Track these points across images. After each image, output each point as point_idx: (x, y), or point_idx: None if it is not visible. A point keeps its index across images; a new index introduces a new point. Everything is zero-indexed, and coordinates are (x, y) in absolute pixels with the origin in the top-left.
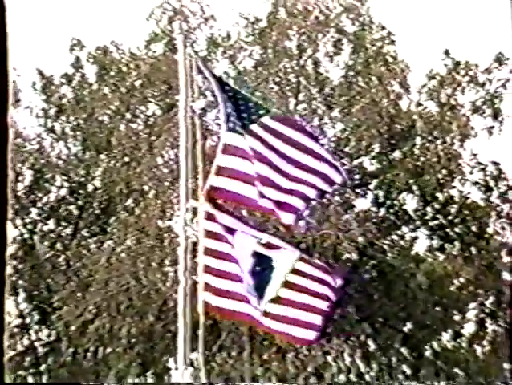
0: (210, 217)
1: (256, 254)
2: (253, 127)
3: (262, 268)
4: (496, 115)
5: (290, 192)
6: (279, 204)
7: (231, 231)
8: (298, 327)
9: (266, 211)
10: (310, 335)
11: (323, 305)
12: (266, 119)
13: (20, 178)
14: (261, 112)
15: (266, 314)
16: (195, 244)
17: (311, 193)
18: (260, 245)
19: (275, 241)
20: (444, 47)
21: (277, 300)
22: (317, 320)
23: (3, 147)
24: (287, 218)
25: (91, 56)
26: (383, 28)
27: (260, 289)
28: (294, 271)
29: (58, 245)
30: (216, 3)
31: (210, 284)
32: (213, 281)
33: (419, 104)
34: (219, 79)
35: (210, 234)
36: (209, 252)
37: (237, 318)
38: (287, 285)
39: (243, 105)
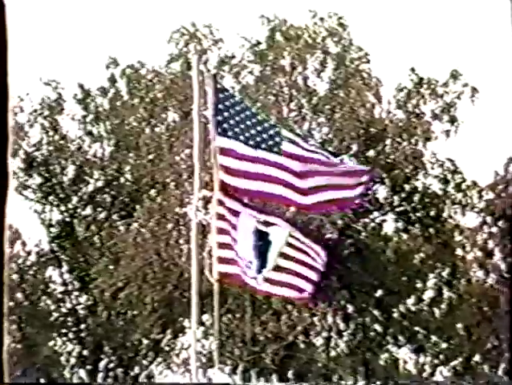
0: (220, 203)
1: (257, 231)
2: (285, 133)
3: (262, 242)
4: (452, 121)
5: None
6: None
7: (236, 213)
8: (294, 291)
9: (274, 200)
10: (303, 299)
11: (312, 274)
12: (286, 146)
13: (64, 172)
14: (272, 122)
15: (267, 280)
16: (204, 226)
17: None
18: (259, 222)
19: (271, 219)
20: (410, 66)
21: (276, 268)
22: (308, 287)
23: (3, 147)
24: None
25: (123, 73)
26: (360, 49)
27: (262, 260)
28: (288, 244)
29: (94, 227)
30: (224, 28)
31: (223, 257)
32: (225, 254)
33: (389, 112)
34: (231, 95)
35: (220, 217)
36: (221, 232)
37: (243, 284)
38: (283, 255)
39: (255, 114)
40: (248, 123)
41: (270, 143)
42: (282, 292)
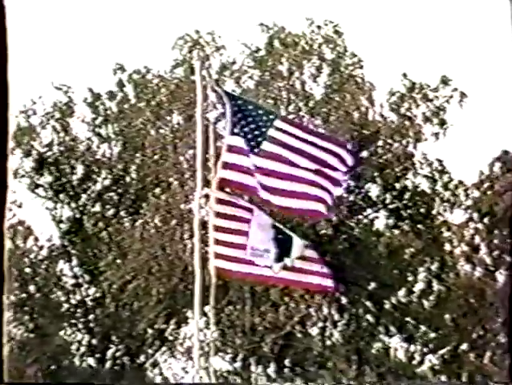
0: (220, 201)
1: (275, 226)
2: (271, 132)
3: (283, 236)
4: (441, 124)
5: (314, 184)
6: (308, 196)
7: (250, 209)
8: (322, 277)
9: (262, 199)
10: (330, 283)
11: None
12: (278, 123)
13: (74, 171)
14: (271, 117)
15: (291, 268)
16: (206, 222)
17: (331, 183)
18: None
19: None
20: (403, 71)
21: (303, 258)
22: (329, 271)
23: (3, 144)
24: (320, 208)
25: (130, 78)
26: (354, 55)
27: (284, 251)
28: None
29: (102, 223)
30: (225, 35)
31: (220, 253)
32: (222, 251)
33: (382, 115)
34: (230, 94)
35: (220, 215)
36: (219, 229)
37: (241, 277)
38: (308, 247)
39: (255, 114)
40: (249, 119)
41: (252, 144)
42: (307, 279)
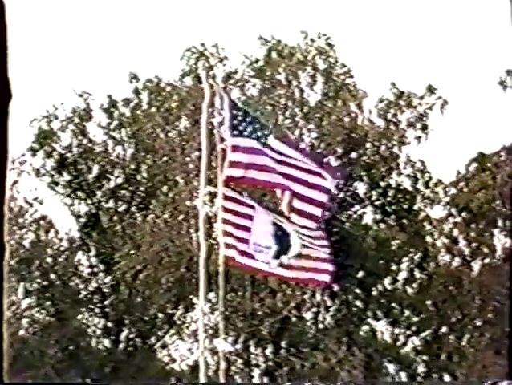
0: (226, 198)
1: (275, 223)
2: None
3: (282, 233)
4: (424, 128)
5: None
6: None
7: (252, 206)
8: (317, 273)
9: (278, 188)
10: (327, 278)
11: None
12: (271, 140)
13: (90, 171)
14: (266, 132)
15: (286, 266)
16: (210, 217)
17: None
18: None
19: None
20: (391, 80)
21: (299, 256)
22: (330, 267)
23: (3, 143)
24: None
25: (144, 86)
26: (344, 66)
27: (283, 249)
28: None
29: (116, 218)
30: (228, 47)
31: (229, 243)
32: (230, 241)
33: (370, 120)
34: (232, 101)
35: (227, 210)
36: (226, 222)
37: (242, 268)
38: (305, 246)
39: (253, 123)
40: (248, 119)
41: (259, 134)
42: (300, 276)
